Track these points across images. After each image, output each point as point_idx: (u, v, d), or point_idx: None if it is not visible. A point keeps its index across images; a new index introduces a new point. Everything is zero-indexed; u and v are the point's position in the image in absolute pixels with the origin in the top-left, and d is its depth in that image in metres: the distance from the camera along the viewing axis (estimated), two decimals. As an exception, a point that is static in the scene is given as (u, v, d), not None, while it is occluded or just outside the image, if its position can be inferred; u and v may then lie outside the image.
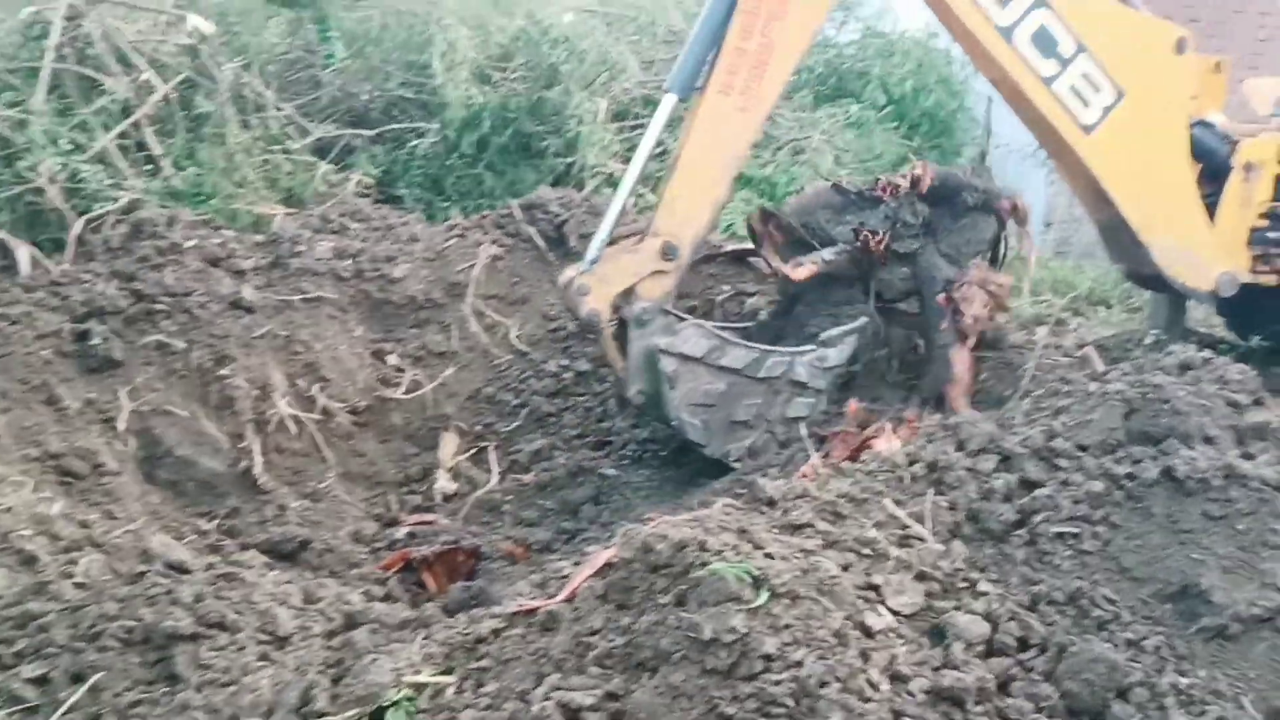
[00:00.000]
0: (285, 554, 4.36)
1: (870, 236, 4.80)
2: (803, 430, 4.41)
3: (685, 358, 4.41)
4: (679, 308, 4.70)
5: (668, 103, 4.30)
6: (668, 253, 4.30)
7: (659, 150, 7.75)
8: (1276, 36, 10.05)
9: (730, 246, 6.07)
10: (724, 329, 4.71)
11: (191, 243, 5.44)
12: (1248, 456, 2.99)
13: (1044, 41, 4.82)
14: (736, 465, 4.52)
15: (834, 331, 4.70)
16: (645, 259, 4.29)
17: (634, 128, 7.62)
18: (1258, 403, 3.29)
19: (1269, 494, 2.82)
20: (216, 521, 4.53)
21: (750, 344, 4.62)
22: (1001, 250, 5.16)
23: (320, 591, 3.32)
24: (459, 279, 5.92)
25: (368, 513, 4.96)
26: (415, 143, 7.49)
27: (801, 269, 4.76)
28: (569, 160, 7.50)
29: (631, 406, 4.68)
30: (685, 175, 4.26)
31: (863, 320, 4.77)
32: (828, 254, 4.81)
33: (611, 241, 4.34)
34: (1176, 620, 2.62)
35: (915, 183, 4.89)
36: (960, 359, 4.83)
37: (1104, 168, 5.07)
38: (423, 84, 7.45)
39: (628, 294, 4.32)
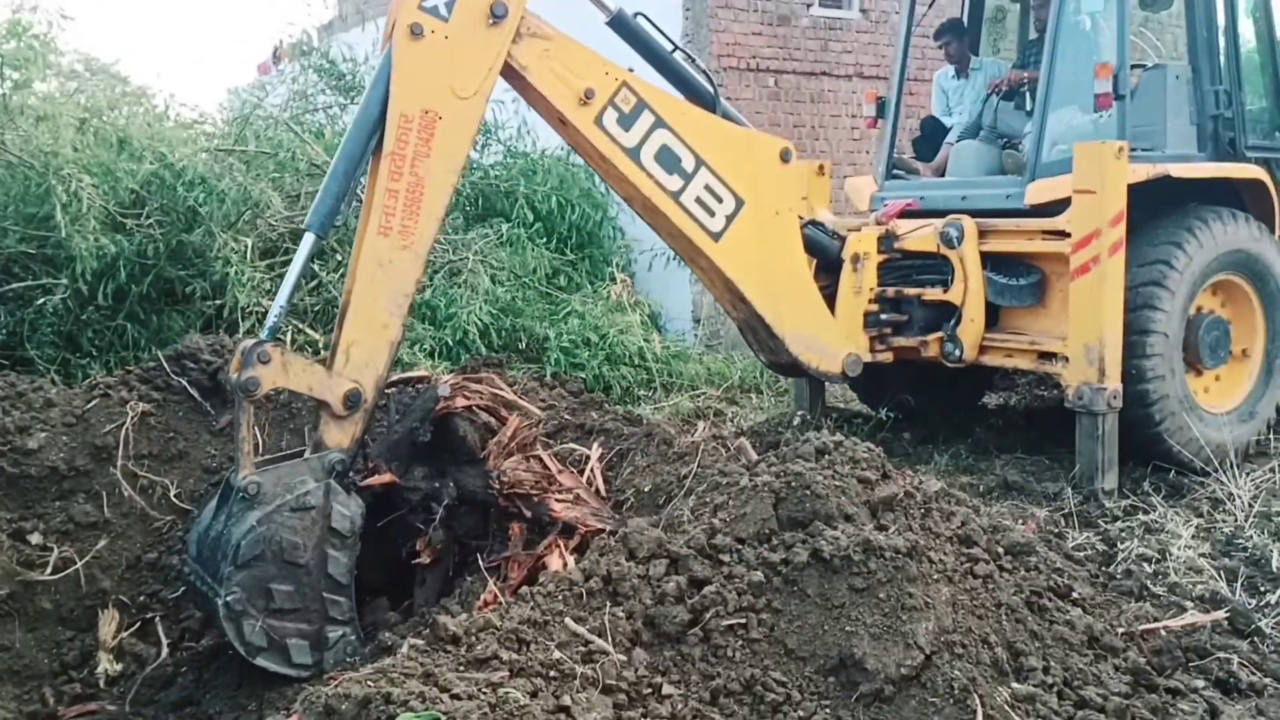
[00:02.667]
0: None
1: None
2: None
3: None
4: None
5: (307, 241, 4.23)
6: (350, 400, 4.12)
7: (312, 284, 7.70)
8: (867, 137, 11.33)
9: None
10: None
11: None
12: (881, 528, 3.27)
13: (668, 159, 5.21)
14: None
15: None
16: (327, 391, 4.07)
17: (284, 263, 7.44)
18: (885, 476, 3.62)
19: (901, 561, 3.10)
20: None
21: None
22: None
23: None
24: (106, 441, 5.50)
25: (20, 712, 4.44)
26: (43, 300, 6.92)
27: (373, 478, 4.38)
28: (218, 303, 7.20)
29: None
30: (357, 320, 4.12)
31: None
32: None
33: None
34: (839, 692, 2.79)
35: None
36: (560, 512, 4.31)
37: (735, 270, 5.51)
38: (46, 237, 6.93)
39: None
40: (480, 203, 9.63)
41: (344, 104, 9.70)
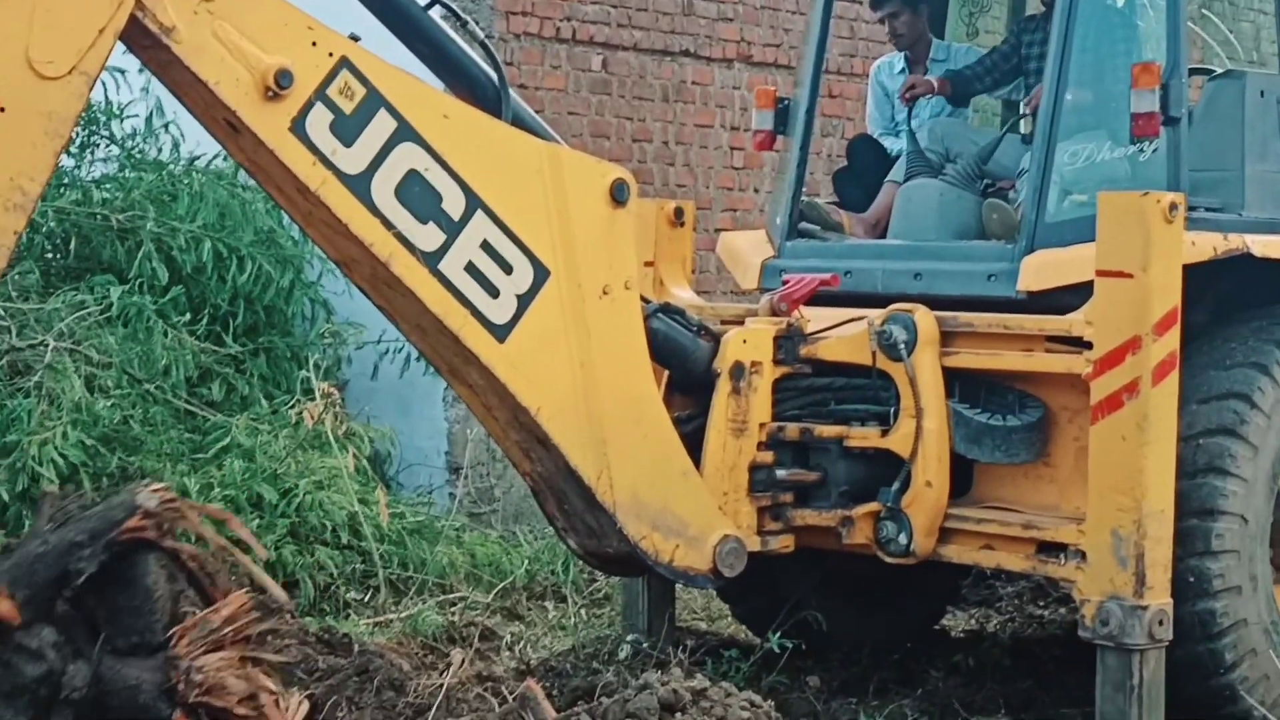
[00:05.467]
0: None
1: None
2: None
3: None
4: None
5: None
6: None
7: None
8: (758, 164, 11.66)
9: None
10: None
11: None
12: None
13: (419, 196, 5.25)
14: None
15: None
16: None
17: None
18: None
19: None
20: None
21: None
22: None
23: None
24: None
25: None
26: None
27: None
28: None
29: None
30: None
31: None
32: None
33: None
34: None
35: None
36: None
37: (529, 391, 5.55)
38: None
39: None
40: (74, 248, 9.47)
41: None
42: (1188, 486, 6.17)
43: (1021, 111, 7.72)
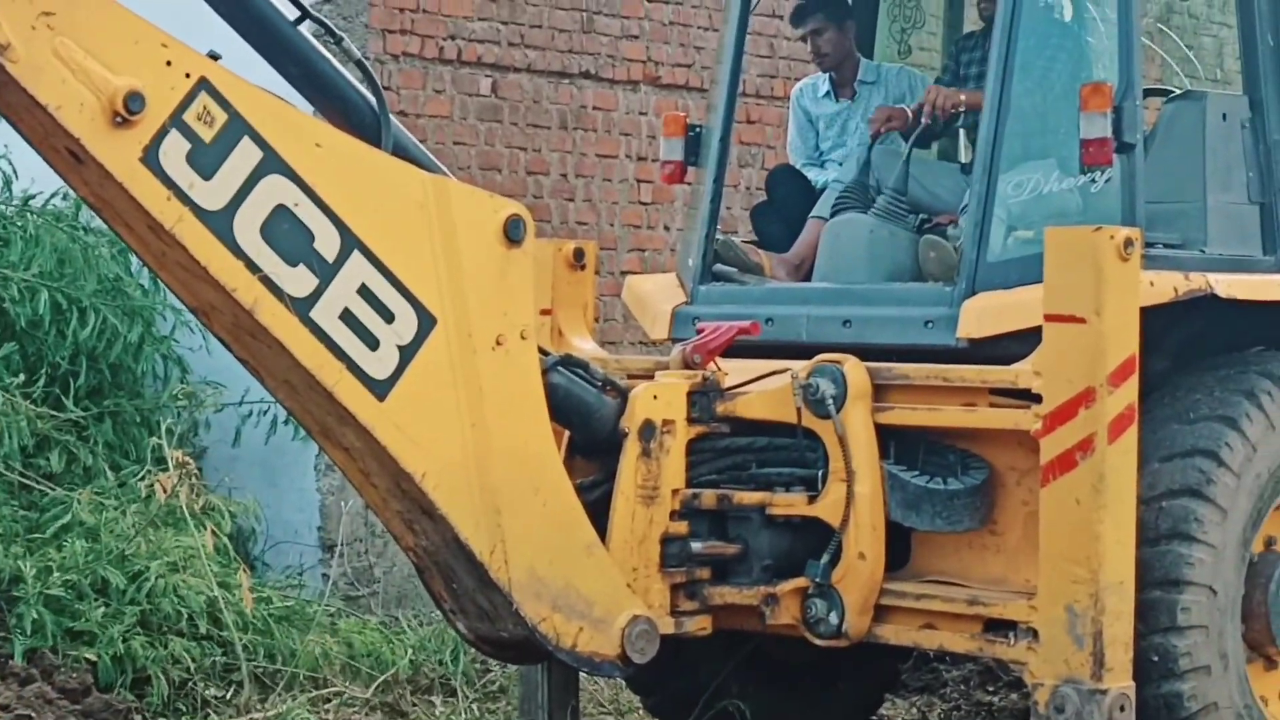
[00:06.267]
0: None
1: None
2: None
3: None
4: None
5: None
6: None
7: None
8: (667, 199, 11.71)
9: None
10: None
11: None
12: None
13: (288, 235, 5.25)
14: None
15: None
16: None
17: None
18: None
19: None
20: None
21: None
22: None
23: None
24: None
25: None
26: None
27: None
28: None
29: None
30: None
31: None
32: None
33: None
34: None
35: None
36: None
37: (414, 454, 5.55)
38: None
39: None
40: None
41: None
42: (1149, 555, 6.21)
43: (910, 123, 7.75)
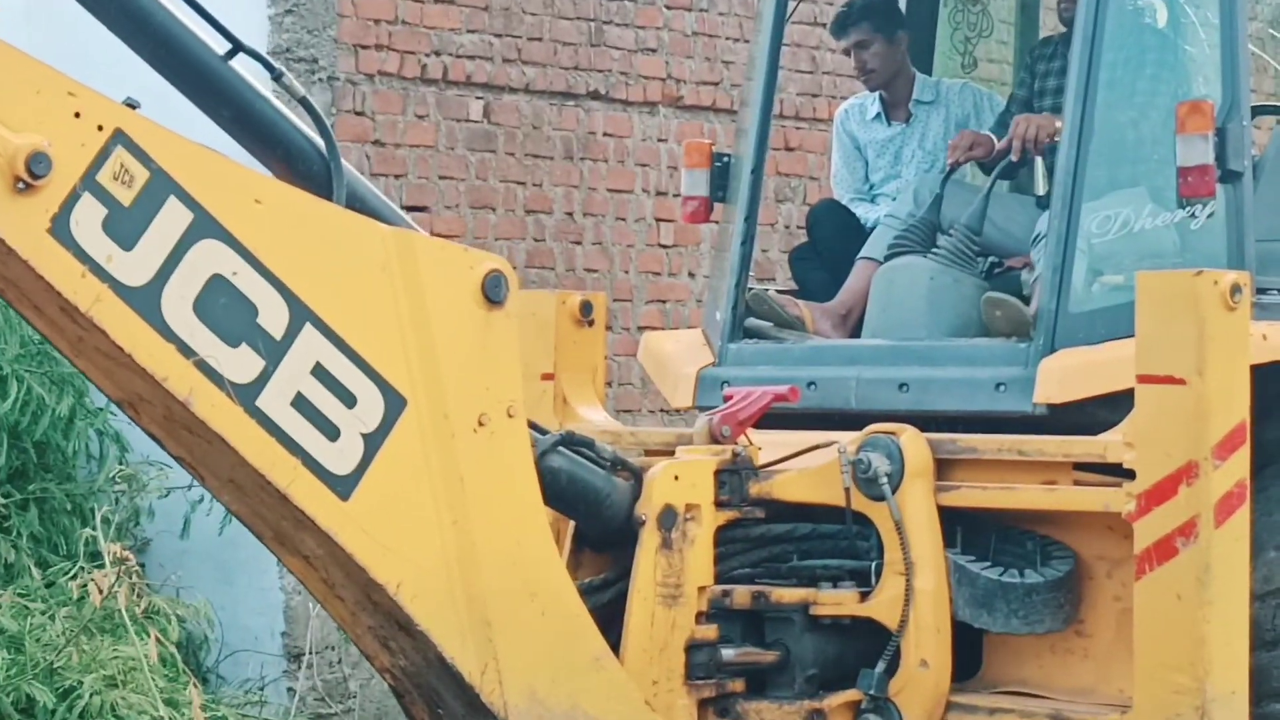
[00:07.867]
0: None
1: None
2: None
3: None
4: None
5: None
6: None
7: None
8: (690, 240, 11.72)
9: None
10: None
11: None
12: None
13: (225, 310, 5.16)
14: None
15: None
16: None
17: None
18: None
19: None
20: None
21: None
22: None
23: None
24: None
25: None
26: None
27: None
28: None
29: None
30: None
31: None
32: None
33: None
34: None
35: None
36: None
37: (385, 561, 5.49)
38: None
39: None
40: None
41: None
42: (1266, 660, 6.20)
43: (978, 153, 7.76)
